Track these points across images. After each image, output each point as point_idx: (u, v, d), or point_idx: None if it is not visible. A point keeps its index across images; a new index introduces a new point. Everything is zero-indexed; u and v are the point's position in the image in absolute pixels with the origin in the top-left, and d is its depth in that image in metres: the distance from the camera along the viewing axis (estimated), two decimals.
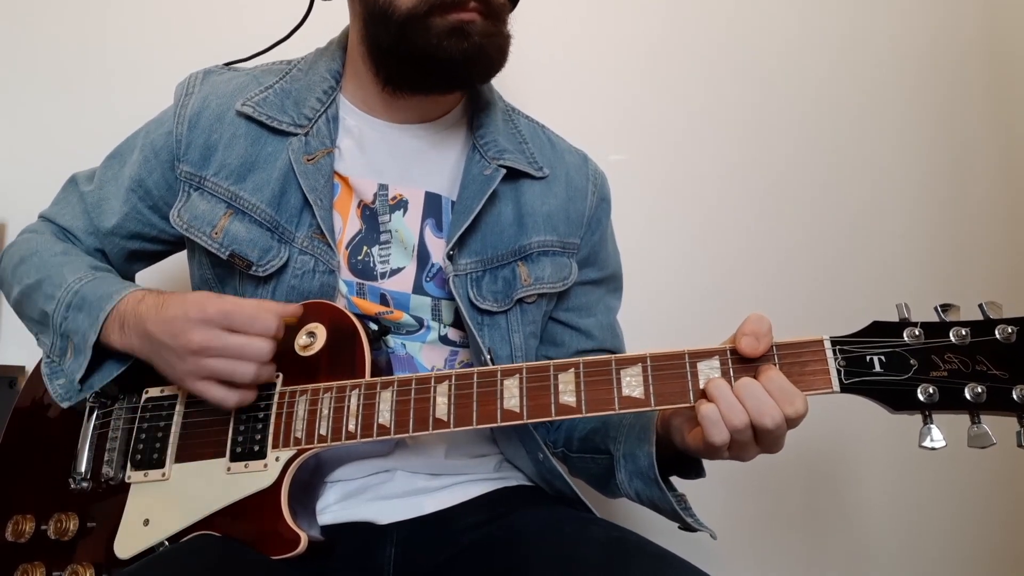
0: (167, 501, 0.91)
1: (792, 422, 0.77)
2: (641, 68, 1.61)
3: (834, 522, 1.57)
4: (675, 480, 0.95)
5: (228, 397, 0.87)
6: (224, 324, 0.85)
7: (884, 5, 1.69)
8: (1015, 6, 1.68)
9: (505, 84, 1.10)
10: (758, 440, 0.79)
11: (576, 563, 0.81)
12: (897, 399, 0.75)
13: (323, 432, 0.88)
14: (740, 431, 0.77)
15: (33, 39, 1.47)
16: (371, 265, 1.01)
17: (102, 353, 0.94)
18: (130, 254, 1.08)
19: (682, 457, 0.93)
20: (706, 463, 0.94)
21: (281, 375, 0.92)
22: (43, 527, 0.95)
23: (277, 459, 0.88)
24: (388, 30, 0.95)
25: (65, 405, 0.94)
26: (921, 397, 0.74)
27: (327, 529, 0.93)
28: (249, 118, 1.00)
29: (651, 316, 1.45)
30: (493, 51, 0.96)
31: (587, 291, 1.13)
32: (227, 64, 1.11)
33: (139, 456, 0.94)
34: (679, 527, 0.92)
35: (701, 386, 0.79)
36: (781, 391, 0.76)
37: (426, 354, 1.02)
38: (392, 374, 0.95)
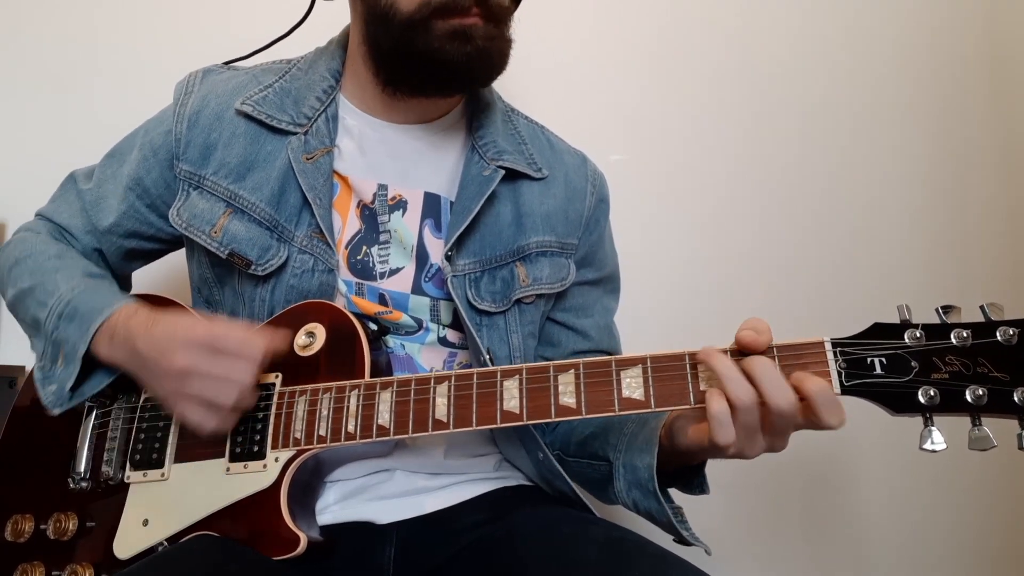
0: (166, 501, 0.91)
1: (827, 429, 0.75)
2: (643, 69, 1.61)
3: (834, 524, 1.57)
4: (674, 493, 0.94)
5: (206, 422, 0.86)
6: (211, 348, 0.85)
7: (886, 7, 1.69)
8: (1016, 8, 1.68)
9: (506, 84, 1.10)
10: (766, 430, 0.77)
11: (575, 563, 0.81)
12: (898, 401, 0.74)
13: (322, 432, 0.88)
14: (747, 410, 0.75)
15: (32, 39, 1.47)
16: (370, 265, 1.00)
17: (92, 363, 0.94)
18: (127, 252, 1.08)
19: (684, 471, 0.93)
20: (707, 470, 0.93)
21: (280, 375, 0.92)
22: (42, 527, 0.94)
23: (276, 459, 0.88)
24: (389, 32, 0.94)
25: (55, 412, 0.94)
26: (922, 399, 0.73)
27: (327, 529, 0.93)
28: (248, 117, 1.00)
29: (652, 318, 1.45)
30: (495, 55, 0.96)
31: (585, 291, 1.13)
32: (226, 63, 1.11)
33: (138, 456, 0.94)
34: (674, 539, 0.92)
35: (701, 388, 0.79)
36: (826, 399, 0.74)
37: (425, 355, 1.02)
38: (392, 374, 0.95)
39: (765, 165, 1.62)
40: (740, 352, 0.79)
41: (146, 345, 0.88)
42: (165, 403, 0.89)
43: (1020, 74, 1.67)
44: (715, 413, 0.76)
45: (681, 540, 0.90)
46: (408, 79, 0.99)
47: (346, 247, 1.00)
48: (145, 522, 0.90)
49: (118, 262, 1.09)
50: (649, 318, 1.41)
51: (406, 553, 0.94)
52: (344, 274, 1.00)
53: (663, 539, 0.86)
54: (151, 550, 0.89)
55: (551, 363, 0.84)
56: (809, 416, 0.76)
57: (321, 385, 0.90)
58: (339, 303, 0.98)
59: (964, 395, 0.72)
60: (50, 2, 1.48)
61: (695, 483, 0.93)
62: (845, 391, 0.76)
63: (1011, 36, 1.69)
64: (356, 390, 0.88)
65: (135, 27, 1.49)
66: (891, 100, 1.67)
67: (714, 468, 0.93)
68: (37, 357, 0.98)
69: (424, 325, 1.02)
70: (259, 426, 0.90)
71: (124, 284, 1.14)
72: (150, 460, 0.93)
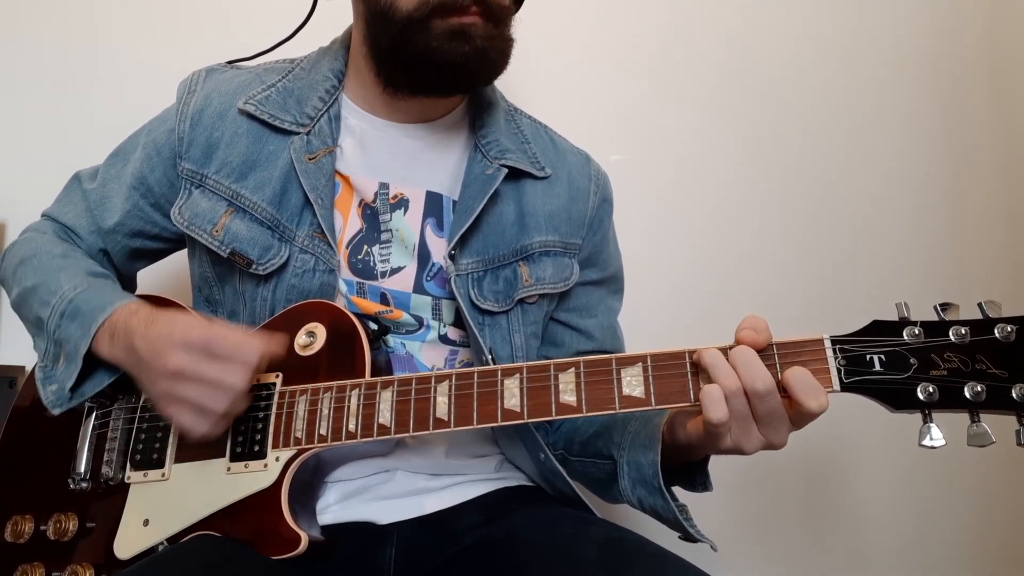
0: (167, 501, 0.91)
1: (810, 415, 0.77)
2: (644, 69, 1.61)
3: (834, 522, 1.57)
4: (678, 491, 0.94)
5: (196, 426, 0.85)
6: (206, 351, 0.84)
7: (887, 8, 1.69)
8: (1016, 8, 1.69)
9: (508, 84, 1.10)
10: (757, 418, 0.78)
11: (576, 563, 0.81)
12: (897, 398, 0.75)
13: (323, 432, 0.88)
14: (734, 395, 0.77)
15: (33, 40, 1.47)
16: (371, 264, 1.00)
17: (93, 362, 0.93)
18: (132, 252, 1.09)
19: (687, 468, 0.93)
20: (710, 465, 0.93)
21: (281, 375, 0.92)
22: (42, 527, 0.94)
23: (277, 459, 0.88)
24: (389, 32, 0.95)
25: (56, 412, 0.93)
26: (921, 396, 0.74)
27: (327, 529, 0.93)
28: (251, 116, 1.00)
29: (653, 317, 1.45)
30: (495, 55, 0.96)
31: (588, 292, 1.13)
32: (230, 62, 1.11)
33: (138, 456, 0.94)
34: (680, 537, 0.92)
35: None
36: (804, 384, 0.76)
37: (426, 353, 1.02)
38: (392, 374, 0.95)
39: (765, 165, 1.62)
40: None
41: (143, 343, 0.87)
42: (156, 404, 0.88)
43: (1020, 74, 1.67)
44: (707, 390, 0.77)
45: (687, 537, 0.91)
46: (408, 79, 0.99)
47: (347, 247, 1.00)
48: (146, 522, 0.90)
49: (123, 262, 1.09)
50: (650, 318, 1.41)
51: (407, 554, 0.94)
52: (345, 274, 1.00)
53: (663, 539, 0.86)
54: (151, 550, 0.88)
55: (551, 361, 0.84)
56: (793, 405, 0.77)
57: (322, 384, 0.90)
58: (339, 303, 0.98)
59: (963, 392, 0.72)
60: (50, 2, 1.48)
61: (698, 480, 0.94)
62: (845, 388, 0.76)
63: (1011, 36, 1.69)
64: (357, 389, 0.88)
65: (135, 27, 1.49)
66: (891, 100, 1.68)
67: (715, 468, 0.93)
68: (39, 357, 0.98)
69: (425, 323, 1.02)
70: (260, 426, 0.90)
71: (129, 285, 1.14)
72: (150, 460, 0.93)
